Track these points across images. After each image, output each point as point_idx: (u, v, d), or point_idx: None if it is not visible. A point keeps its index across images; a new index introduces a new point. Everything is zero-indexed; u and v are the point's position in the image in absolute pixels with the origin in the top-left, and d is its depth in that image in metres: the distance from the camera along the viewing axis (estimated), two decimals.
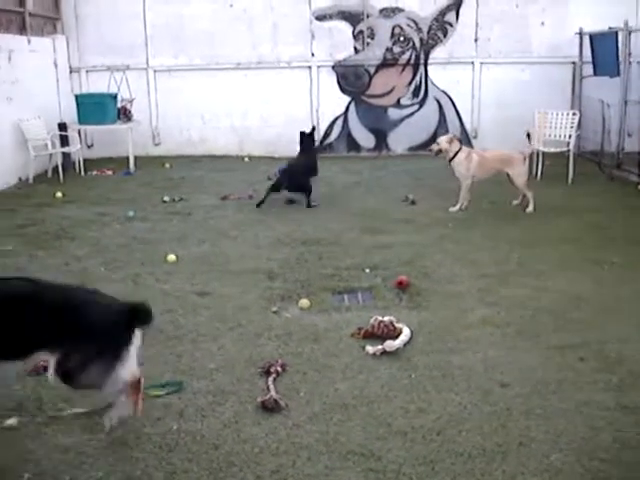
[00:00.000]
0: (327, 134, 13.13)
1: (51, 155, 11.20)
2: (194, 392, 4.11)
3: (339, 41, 12.78)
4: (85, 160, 11.64)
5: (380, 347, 4.57)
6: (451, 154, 8.52)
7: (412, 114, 12.99)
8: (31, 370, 4.20)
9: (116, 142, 12.25)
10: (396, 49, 12.79)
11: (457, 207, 8.57)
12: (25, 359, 3.59)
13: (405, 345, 4.65)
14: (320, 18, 12.74)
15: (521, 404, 3.91)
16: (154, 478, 3.32)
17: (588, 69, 11.71)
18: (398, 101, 12.99)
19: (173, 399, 4.02)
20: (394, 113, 13.03)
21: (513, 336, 4.84)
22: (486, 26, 12.63)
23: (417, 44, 12.78)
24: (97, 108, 11.55)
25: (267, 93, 12.86)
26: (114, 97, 12.03)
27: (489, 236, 7.43)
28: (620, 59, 10.36)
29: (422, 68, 12.87)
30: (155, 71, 12.93)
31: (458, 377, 4.24)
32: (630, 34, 10.33)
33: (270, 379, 4.18)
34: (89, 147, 12.82)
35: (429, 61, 12.84)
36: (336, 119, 13.08)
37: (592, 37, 11.31)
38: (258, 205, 8.81)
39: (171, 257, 6.71)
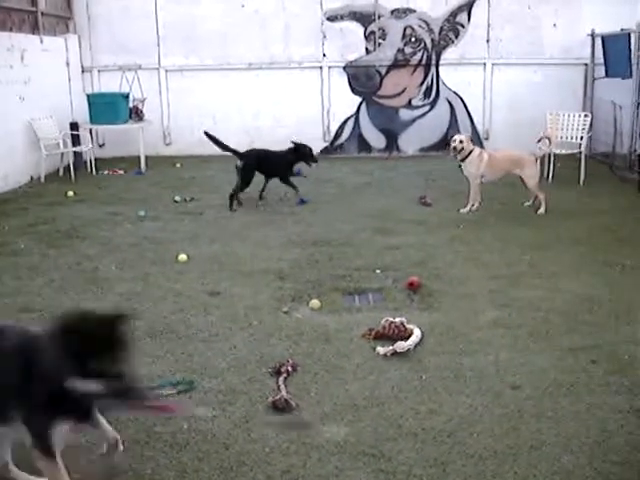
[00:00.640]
0: (338, 135, 13.13)
1: (63, 154, 11.25)
2: (205, 391, 4.12)
3: (350, 42, 12.78)
4: (96, 159, 11.70)
5: (391, 348, 4.56)
6: (465, 153, 8.51)
7: (423, 115, 12.97)
8: None
9: (127, 142, 12.30)
10: (407, 50, 12.78)
11: (468, 208, 8.56)
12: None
13: (416, 346, 4.64)
14: (332, 19, 12.74)
15: (532, 406, 3.89)
16: (164, 477, 3.32)
17: (600, 71, 11.67)
18: (409, 102, 12.98)
19: (184, 398, 4.02)
20: (405, 114, 13.02)
21: (524, 338, 4.82)
22: (498, 27, 12.60)
23: (428, 45, 12.76)
24: (109, 108, 11.58)
25: (278, 93, 12.87)
26: (126, 97, 12.06)
27: (500, 237, 7.40)
28: (632, 60, 10.31)
29: (433, 69, 12.85)
30: (167, 71, 12.97)
31: (469, 379, 4.23)
32: None
33: (281, 379, 4.17)
34: (100, 146, 12.87)
35: (440, 62, 12.82)
36: (347, 120, 13.08)
37: (604, 38, 11.26)
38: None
39: (182, 257, 6.72)
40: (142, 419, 3.72)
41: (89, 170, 11.49)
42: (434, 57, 12.80)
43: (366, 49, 12.82)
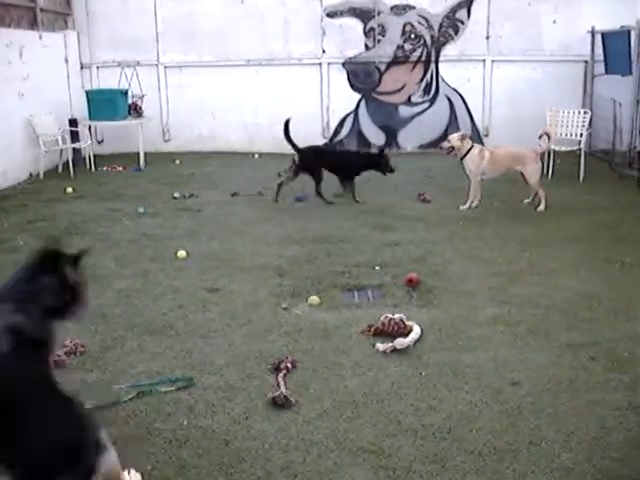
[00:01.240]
0: (337, 131, 13.12)
1: (62, 151, 11.23)
2: (204, 388, 4.12)
3: (350, 38, 12.75)
4: (95, 156, 11.68)
5: (390, 345, 4.56)
6: (463, 152, 8.49)
7: (423, 112, 12.95)
8: None
9: (126, 138, 12.28)
10: (407, 46, 12.75)
11: (467, 205, 8.55)
12: None
13: (415, 343, 4.64)
14: (331, 15, 12.72)
15: (532, 403, 3.90)
16: (164, 473, 3.32)
17: (600, 68, 11.66)
18: (409, 98, 12.95)
19: (183, 395, 4.03)
20: (405, 111, 13.00)
21: (524, 335, 4.82)
22: (497, 24, 12.56)
23: (428, 41, 12.73)
24: (108, 104, 11.55)
25: (278, 90, 12.84)
26: (125, 93, 12.03)
27: (500, 234, 7.40)
28: (632, 57, 10.30)
29: (433, 65, 12.82)
30: (166, 67, 12.95)
31: (469, 375, 4.23)
32: None
33: (280, 375, 4.18)
34: (99, 143, 12.85)
35: (440, 58, 12.78)
36: (346, 116, 13.07)
37: (604, 35, 11.25)
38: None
39: (181, 253, 6.72)
40: (142, 415, 3.72)
41: (88, 166, 11.47)
42: (434, 54, 12.78)
43: (365, 45, 12.80)
